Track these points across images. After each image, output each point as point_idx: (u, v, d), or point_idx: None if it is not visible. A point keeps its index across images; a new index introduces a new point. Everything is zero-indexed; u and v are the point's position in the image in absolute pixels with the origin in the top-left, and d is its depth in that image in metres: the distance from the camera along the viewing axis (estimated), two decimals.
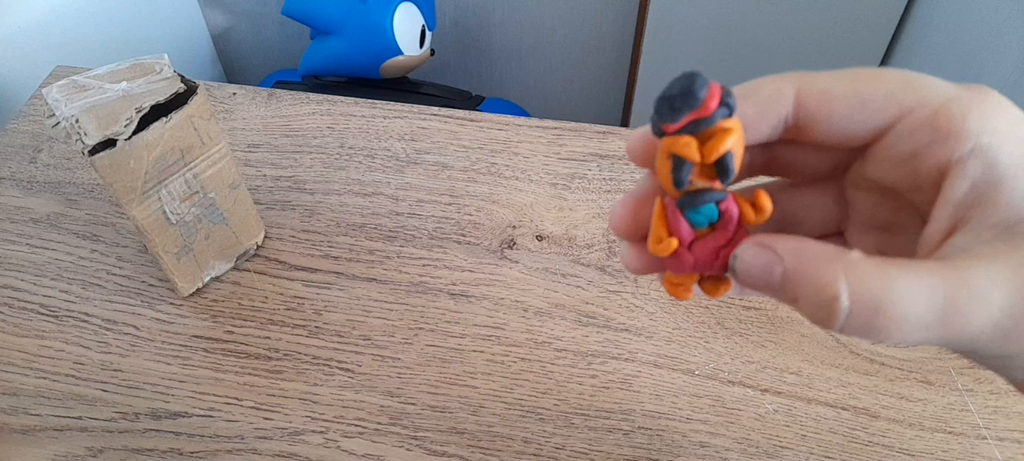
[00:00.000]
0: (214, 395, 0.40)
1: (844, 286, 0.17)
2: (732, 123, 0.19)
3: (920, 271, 0.17)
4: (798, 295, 0.18)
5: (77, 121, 0.36)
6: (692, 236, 0.21)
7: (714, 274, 0.21)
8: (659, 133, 0.20)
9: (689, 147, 0.19)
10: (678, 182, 0.19)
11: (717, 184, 0.20)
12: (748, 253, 0.19)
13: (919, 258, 0.19)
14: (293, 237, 0.48)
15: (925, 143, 0.18)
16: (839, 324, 0.17)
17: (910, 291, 0.17)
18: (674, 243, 0.21)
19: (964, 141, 0.18)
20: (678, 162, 0.19)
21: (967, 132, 0.18)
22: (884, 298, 0.17)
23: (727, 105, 0.19)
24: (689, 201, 0.20)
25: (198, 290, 0.45)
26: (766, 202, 0.20)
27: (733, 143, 0.19)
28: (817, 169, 0.22)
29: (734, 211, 0.20)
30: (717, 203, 0.20)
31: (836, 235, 0.23)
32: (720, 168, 0.19)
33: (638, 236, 0.22)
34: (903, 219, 0.21)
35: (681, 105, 0.19)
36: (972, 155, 0.18)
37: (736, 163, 0.19)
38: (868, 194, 0.22)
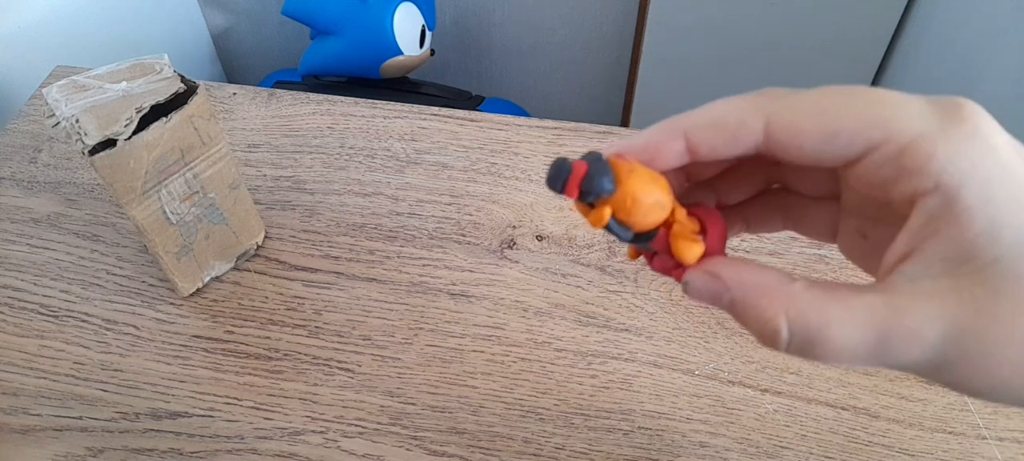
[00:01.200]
0: (214, 395, 0.40)
1: (784, 321, 0.19)
2: (613, 199, 0.20)
3: (858, 307, 0.19)
4: (745, 321, 0.20)
5: (77, 121, 0.36)
6: (651, 253, 0.24)
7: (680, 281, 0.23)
8: None
9: (582, 212, 0.22)
10: (606, 229, 0.22)
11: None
12: (698, 281, 0.21)
13: (881, 270, 0.20)
14: (293, 237, 0.48)
15: (892, 177, 0.19)
16: (781, 350, 0.20)
17: (846, 325, 0.19)
18: (634, 255, 0.24)
19: (927, 179, 0.18)
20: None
21: (930, 171, 0.18)
22: (821, 332, 0.19)
23: (597, 188, 0.20)
24: (630, 234, 0.22)
25: (198, 290, 0.45)
26: (691, 254, 0.21)
27: (615, 213, 0.21)
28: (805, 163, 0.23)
29: (667, 246, 0.22)
30: (648, 240, 0.22)
31: (832, 199, 0.24)
32: (612, 232, 0.21)
33: None
34: (887, 216, 0.21)
35: (551, 187, 0.21)
36: (934, 191, 0.18)
37: (635, 220, 0.21)
38: (855, 191, 0.23)
